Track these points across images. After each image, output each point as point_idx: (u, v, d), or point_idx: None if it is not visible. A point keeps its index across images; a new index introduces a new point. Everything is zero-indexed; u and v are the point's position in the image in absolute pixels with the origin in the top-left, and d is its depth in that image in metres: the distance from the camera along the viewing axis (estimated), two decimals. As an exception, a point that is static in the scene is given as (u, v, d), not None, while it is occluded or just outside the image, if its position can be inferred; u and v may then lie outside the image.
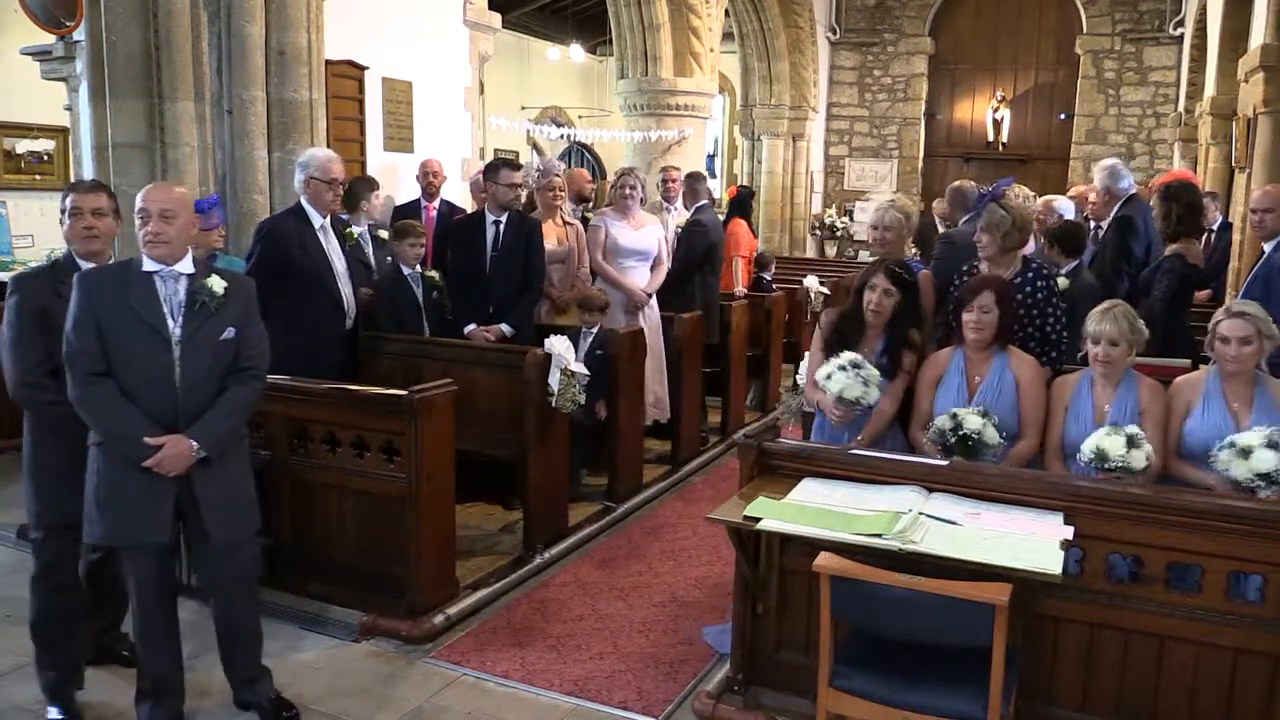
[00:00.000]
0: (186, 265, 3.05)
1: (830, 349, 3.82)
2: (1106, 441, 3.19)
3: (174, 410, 2.98)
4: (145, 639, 3.15)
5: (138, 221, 3.00)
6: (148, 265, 3.00)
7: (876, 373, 3.63)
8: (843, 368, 3.61)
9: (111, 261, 3.27)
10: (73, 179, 7.66)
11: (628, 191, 5.99)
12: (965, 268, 4.22)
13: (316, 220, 4.48)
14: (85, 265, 3.21)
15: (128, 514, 2.99)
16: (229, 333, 3.06)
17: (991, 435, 3.42)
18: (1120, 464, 3.16)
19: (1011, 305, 3.73)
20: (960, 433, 3.43)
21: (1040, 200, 6.16)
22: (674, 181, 6.87)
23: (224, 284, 3.06)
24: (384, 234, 5.92)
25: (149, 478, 2.95)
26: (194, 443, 2.97)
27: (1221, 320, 3.36)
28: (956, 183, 5.82)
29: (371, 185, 5.93)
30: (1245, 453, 3.08)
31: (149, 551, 3.06)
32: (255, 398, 3.20)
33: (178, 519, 3.08)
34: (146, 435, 2.92)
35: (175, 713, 3.21)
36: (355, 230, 5.35)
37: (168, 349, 2.97)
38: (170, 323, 2.98)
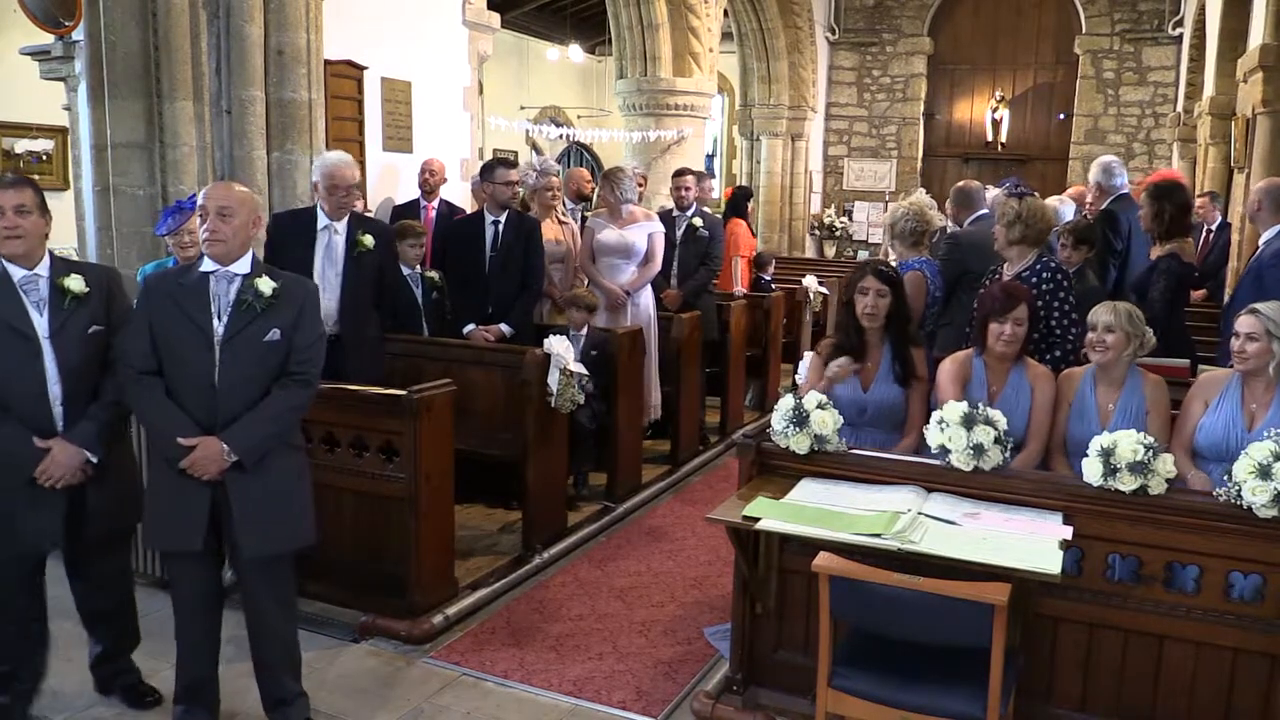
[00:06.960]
0: (243, 266, 2.99)
1: None
2: None
3: (214, 411, 2.93)
4: (181, 644, 3.12)
5: (199, 220, 3.00)
6: (205, 265, 2.98)
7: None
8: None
9: (46, 258, 3.09)
10: (72, 179, 7.63)
11: (607, 192, 6.01)
12: (993, 268, 4.27)
13: (321, 220, 4.46)
14: (9, 266, 3.03)
15: (165, 519, 2.99)
16: (273, 334, 2.97)
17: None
18: None
19: (1036, 319, 3.69)
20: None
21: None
22: (687, 190, 6.60)
23: (273, 284, 2.98)
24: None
25: (184, 483, 2.90)
26: (225, 445, 2.90)
27: (1240, 316, 3.35)
28: (961, 183, 5.82)
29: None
30: (1264, 472, 2.73)
31: (185, 557, 3.01)
32: (301, 403, 3.06)
33: (215, 527, 3.00)
34: (182, 436, 2.89)
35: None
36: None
37: (209, 348, 2.92)
38: (215, 322, 2.93)
